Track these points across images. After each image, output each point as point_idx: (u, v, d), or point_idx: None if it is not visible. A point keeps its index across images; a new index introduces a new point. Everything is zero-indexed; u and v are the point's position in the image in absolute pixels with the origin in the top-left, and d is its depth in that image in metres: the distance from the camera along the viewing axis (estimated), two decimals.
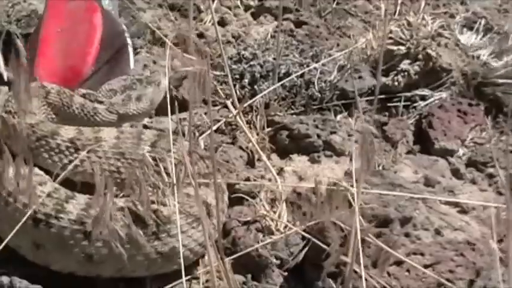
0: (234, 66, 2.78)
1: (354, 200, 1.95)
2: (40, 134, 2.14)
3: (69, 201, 1.98)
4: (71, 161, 2.14)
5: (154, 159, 2.14)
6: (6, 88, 2.66)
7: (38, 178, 2.03)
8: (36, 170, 2.06)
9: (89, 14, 2.65)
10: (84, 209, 1.95)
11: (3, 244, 1.88)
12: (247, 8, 3.36)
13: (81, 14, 2.65)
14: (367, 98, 2.72)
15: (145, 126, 2.62)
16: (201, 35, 3.09)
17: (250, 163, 2.48)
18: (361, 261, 1.69)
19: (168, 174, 2.04)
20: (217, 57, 2.91)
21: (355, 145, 2.56)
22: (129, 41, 2.75)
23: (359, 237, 1.72)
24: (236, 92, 2.63)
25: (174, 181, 1.99)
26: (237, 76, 2.75)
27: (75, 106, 2.29)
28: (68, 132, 2.16)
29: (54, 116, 2.30)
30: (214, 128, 2.53)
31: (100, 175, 2.09)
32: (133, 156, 2.19)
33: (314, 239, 2.06)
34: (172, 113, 2.72)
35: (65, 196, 2.00)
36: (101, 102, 2.33)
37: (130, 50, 2.74)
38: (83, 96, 2.34)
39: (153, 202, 1.99)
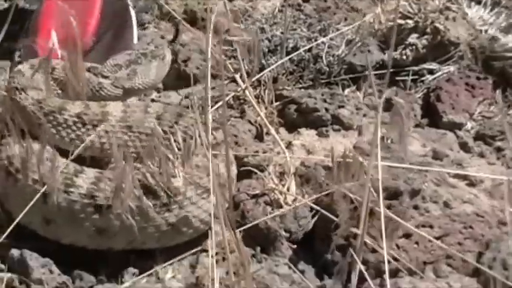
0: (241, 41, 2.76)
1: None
2: (47, 109, 2.13)
3: (78, 176, 1.98)
4: (78, 136, 2.14)
5: (163, 131, 2.15)
6: (8, 63, 2.65)
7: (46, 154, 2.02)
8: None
9: None
10: (94, 182, 1.96)
11: (16, 222, 1.89)
12: None
13: None
14: (375, 72, 2.70)
15: (153, 100, 2.62)
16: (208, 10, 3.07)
17: (259, 137, 2.48)
18: (383, 234, 1.68)
19: (178, 146, 2.04)
20: (225, 32, 2.90)
21: (364, 118, 2.56)
22: (132, 13, 2.72)
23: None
24: (244, 66, 2.61)
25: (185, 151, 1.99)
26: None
27: None
28: (74, 107, 2.15)
29: (60, 92, 2.28)
30: (224, 101, 2.51)
31: (108, 149, 2.10)
32: (140, 129, 2.19)
33: (323, 211, 2.06)
34: (180, 87, 2.73)
35: (74, 170, 2.00)
36: (106, 77, 2.31)
37: (134, 22, 2.72)
38: (88, 70, 2.33)
39: (162, 173, 1.99)
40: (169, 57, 2.46)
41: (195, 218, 1.99)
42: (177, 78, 2.72)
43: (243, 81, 2.54)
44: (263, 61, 2.70)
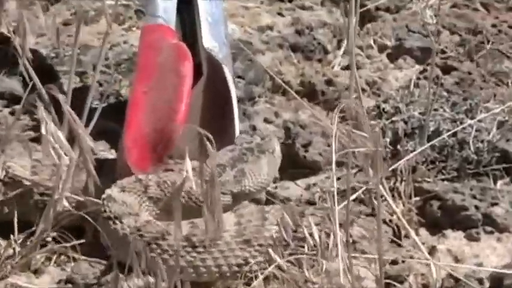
0: (372, 122, 2.82)
1: None
2: (149, 236, 2.21)
3: None
4: (189, 262, 2.21)
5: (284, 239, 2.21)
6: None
7: None
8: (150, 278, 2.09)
9: (176, 63, 2.63)
10: None
11: None
12: (382, 48, 3.42)
13: (169, 65, 2.63)
14: None
15: (268, 193, 2.67)
16: (329, 82, 3.15)
17: (396, 240, 2.51)
18: None
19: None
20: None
21: None
22: (233, 94, 2.72)
23: None
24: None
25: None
26: None
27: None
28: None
29: (158, 212, 2.37)
30: (353, 196, 2.57)
31: (227, 272, 2.18)
32: (260, 241, 2.27)
33: None
34: (299, 177, 2.79)
35: None
36: None
37: (235, 106, 2.71)
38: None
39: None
40: (279, 150, 2.52)
41: None
42: (296, 166, 2.80)
43: (376, 172, 2.59)
44: (399, 147, 2.75)
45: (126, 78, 3.09)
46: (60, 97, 2.03)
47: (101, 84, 3.03)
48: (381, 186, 2.55)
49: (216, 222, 1.77)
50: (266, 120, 2.99)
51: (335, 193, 2.21)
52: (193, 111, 2.63)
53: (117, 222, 2.25)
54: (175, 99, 2.56)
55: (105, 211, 2.28)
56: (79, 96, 2.79)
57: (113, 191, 2.33)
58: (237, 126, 2.69)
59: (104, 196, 2.32)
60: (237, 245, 2.24)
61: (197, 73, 2.69)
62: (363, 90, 3.14)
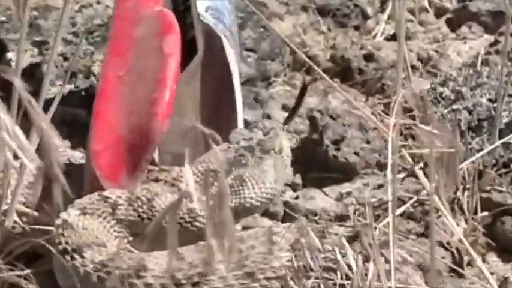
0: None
1: None
2: (119, 273, 2.18)
3: None
4: None
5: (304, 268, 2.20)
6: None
7: None
8: None
9: (160, 37, 2.58)
10: None
11: None
12: (440, 12, 3.40)
13: (151, 40, 2.59)
14: None
15: (286, 205, 2.65)
16: (369, 57, 3.13)
17: (456, 268, 2.50)
18: None
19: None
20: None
21: None
22: (235, 77, 2.69)
23: None
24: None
25: None
26: None
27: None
28: (159, 261, 2.20)
29: (131, 238, 2.35)
30: (400, 210, 2.56)
31: None
32: (267, 273, 2.24)
33: None
34: (328, 183, 2.77)
35: None
36: None
37: (238, 94, 2.70)
38: (168, 182, 2.37)
39: None
40: (288, 147, 2.49)
41: None
42: (324, 169, 2.78)
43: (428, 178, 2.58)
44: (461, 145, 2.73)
45: (99, 51, 3.06)
46: (16, 82, 1.99)
47: (65, 58, 3.01)
48: (436, 197, 2.54)
49: (227, 250, 1.74)
50: (285, 108, 2.97)
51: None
52: (183, 100, 2.61)
53: (77, 256, 2.21)
54: (158, 86, 2.51)
55: (60, 242, 2.23)
56: (36, 74, 2.80)
57: (69, 214, 2.28)
58: (241, 117, 2.69)
59: (58, 222, 2.27)
60: (236, 279, 2.21)
61: (190, 50, 2.66)
62: (414, 68, 3.14)
